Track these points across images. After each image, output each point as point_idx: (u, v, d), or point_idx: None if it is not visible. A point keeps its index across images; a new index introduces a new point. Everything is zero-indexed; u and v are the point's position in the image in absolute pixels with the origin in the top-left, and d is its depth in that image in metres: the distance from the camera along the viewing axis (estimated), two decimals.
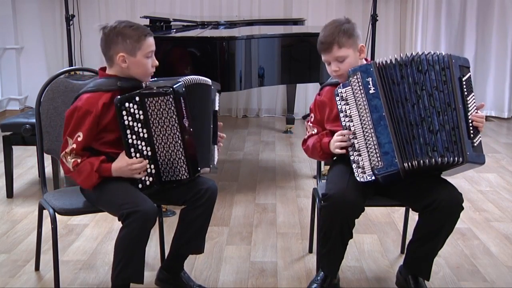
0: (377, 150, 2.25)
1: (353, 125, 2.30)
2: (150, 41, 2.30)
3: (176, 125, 2.25)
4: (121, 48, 2.27)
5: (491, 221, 3.33)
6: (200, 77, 2.40)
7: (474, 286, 2.61)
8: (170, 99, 2.23)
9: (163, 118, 2.24)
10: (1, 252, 2.91)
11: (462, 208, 2.30)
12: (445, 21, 5.95)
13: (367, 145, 2.27)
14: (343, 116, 2.33)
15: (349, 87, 2.31)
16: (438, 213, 2.26)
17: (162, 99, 2.23)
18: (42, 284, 2.60)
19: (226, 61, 3.58)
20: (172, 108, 2.23)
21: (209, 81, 2.43)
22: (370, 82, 2.26)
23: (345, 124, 2.32)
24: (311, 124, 2.53)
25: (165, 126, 2.25)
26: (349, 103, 2.31)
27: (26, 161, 4.44)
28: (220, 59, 3.56)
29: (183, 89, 2.28)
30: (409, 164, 2.23)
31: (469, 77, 2.31)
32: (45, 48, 6.15)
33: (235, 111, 6.24)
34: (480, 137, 2.30)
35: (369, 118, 2.26)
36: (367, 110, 2.27)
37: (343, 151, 2.32)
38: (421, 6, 5.88)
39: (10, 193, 3.67)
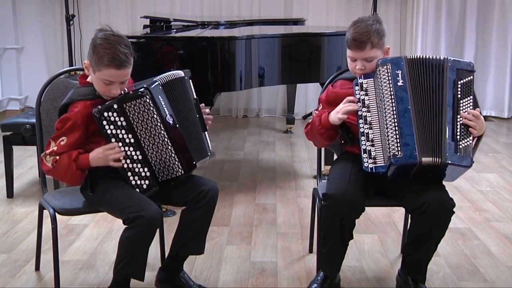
0: (398, 140, 2.25)
1: (370, 115, 2.30)
2: (112, 72, 2.18)
3: (159, 124, 2.25)
4: (88, 57, 2.26)
5: (491, 221, 3.33)
6: (173, 72, 2.38)
7: (474, 286, 2.61)
8: (148, 100, 2.22)
9: (145, 119, 2.24)
10: (1, 252, 2.91)
11: (452, 213, 2.28)
12: (445, 21, 5.95)
13: (388, 133, 2.26)
14: (360, 106, 2.32)
15: (372, 79, 2.31)
16: (427, 217, 2.26)
17: (140, 101, 2.22)
18: (42, 284, 2.60)
19: (226, 61, 3.58)
20: (152, 108, 2.23)
21: (181, 73, 2.42)
22: (399, 75, 2.28)
23: (361, 114, 2.31)
24: (317, 112, 2.51)
25: (149, 127, 2.25)
26: (369, 93, 2.31)
27: (26, 161, 4.44)
28: (220, 59, 3.56)
29: (160, 87, 2.28)
30: (428, 159, 2.23)
31: (469, 81, 2.30)
32: (45, 48, 6.15)
33: (235, 111, 6.24)
34: (470, 140, 2.27)
35: (394, 108, 2.26)
36: (393, 100, 2.27)
37: (345, 116, 2.32)
38: (421, 6, 5.88)
39: (10, 193, 3.67)
